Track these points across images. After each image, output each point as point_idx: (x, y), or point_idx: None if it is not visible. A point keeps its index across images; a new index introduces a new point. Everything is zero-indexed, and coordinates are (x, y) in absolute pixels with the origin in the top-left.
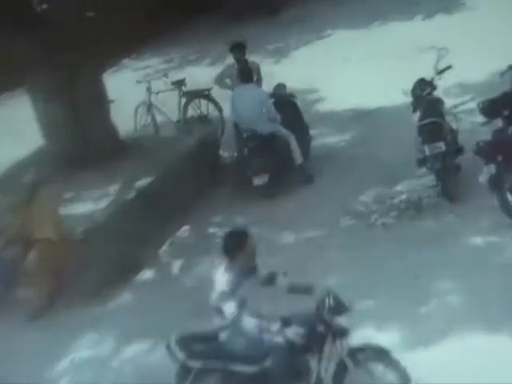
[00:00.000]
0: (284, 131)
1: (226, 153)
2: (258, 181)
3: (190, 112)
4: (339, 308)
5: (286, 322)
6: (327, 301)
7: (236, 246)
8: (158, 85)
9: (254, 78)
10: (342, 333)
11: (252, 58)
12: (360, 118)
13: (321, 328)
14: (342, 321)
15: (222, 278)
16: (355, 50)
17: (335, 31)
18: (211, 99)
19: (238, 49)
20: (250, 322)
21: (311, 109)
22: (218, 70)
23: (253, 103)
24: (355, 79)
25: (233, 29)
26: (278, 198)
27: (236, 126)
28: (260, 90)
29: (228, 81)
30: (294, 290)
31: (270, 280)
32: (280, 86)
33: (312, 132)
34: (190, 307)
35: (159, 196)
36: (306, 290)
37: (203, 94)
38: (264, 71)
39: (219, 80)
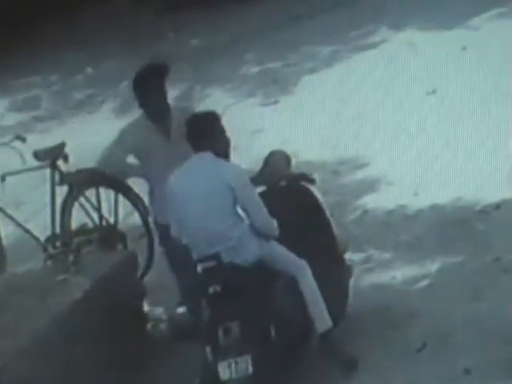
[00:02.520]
0: (287, 257)
1: (158, 308)
2: (231, 371)
3: (78, 219)
4: None
5: None
6: None
7: None
8: (2, 159)
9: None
10: None
11: (199, 98)
12: (459, 226)
13: None
14: None
15: None
16: (445, 76)
17: (401, 31)
18: (124, 189)
19: (150, 81)
20: None
21: (350, 205)
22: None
23: (213, 198)
24: (447, 135)
25: (162, 25)
26: None
27: (179, 247)
28: (228, 166)
29: (132, 160)
30: None
31: None
32: (277, 158)
33: (352, 258)
34: None
35: None
36: None
37: (107, 179)
38: (238, 126)
39: (111, 161)
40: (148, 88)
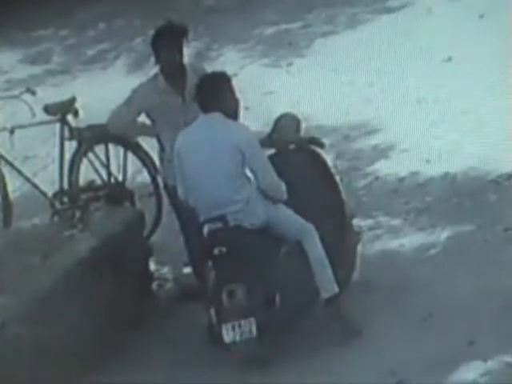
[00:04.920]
0: (294, 221)
1: (164, 268)
2: (235, 333)
3: (86, 175)
4: None
5: None
6: None
7: None
8: (12, 112)
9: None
10: None
11: (212, 58)
12: (470, 195)
13: None
14: None
15: None
16: (462, 44)
17: None
18: (133, 147)
19: (170, 40)
20: None
21: (361, 171)
22: (145, 77)
23: (221, 159)
24: (461, 103)
25: None
26: (275, 374)
27: (186, 209)
28: (237, 127)
29: (144, 119)
30: None
31: None
32: (287, 121)
33: (361, 224)
34: None
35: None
36: None
37: (116, 136)
38: (251, 87)
39: (122, 121)
40: (167, 47)
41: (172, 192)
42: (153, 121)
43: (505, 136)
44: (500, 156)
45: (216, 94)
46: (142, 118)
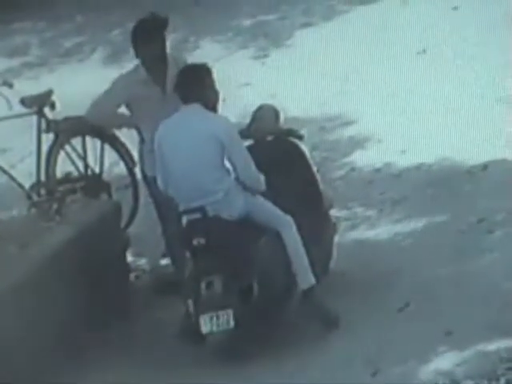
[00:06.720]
0: (272, 212)
1: (142, 259)
2: (212, 324)
3: (63, 167)
4: None
5: None
6: None
7: None
8: None
9: None
10: None
11: (189, 50)
12: (445, 186)
13: None
14: None
15: None
16: (436, 36)
17: None
18: (110, 139)
19: (150, 32)
20: None
21: (337, 162)
22: (122, 69)
23: (201, 150)
24: (436, 95)
25: None
26: (253, 365)
27: (165, 200)
28: (217, 119)
29: (124, 111)
30: None
31: None
32: (266, 112)
33: (337, 215)
34: None
35: None
36: None
37: (93, 128)
38: (228, 79)
39: (102, 112)
40: (148, 40)
41: (151, 183)
42: (132, 112)
43: (479, 127)
44: (474, 147)
45: (196, 85)
46: (122, 110)
